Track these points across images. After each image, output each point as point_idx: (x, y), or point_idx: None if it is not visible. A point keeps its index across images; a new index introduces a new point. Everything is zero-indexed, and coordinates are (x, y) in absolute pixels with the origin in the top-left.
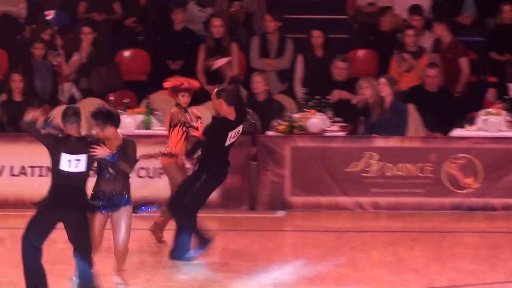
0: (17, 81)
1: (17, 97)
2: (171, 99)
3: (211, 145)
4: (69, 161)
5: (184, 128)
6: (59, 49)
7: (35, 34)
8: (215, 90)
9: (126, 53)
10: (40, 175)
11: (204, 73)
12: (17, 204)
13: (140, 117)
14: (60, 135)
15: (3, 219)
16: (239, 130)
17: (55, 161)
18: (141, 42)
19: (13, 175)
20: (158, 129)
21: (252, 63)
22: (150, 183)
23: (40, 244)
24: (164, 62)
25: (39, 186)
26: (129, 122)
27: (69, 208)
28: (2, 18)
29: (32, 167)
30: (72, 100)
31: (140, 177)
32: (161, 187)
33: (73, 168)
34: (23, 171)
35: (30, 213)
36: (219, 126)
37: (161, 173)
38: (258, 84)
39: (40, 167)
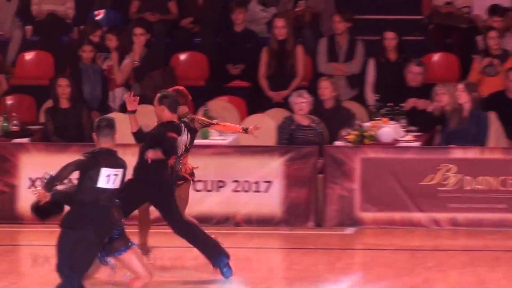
0: (63, 86)
1: (64, 104)
2: (231, 107)
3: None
4: (108, 176)
5: None
6: (110, 52)
7: (83, 35)
8: (157, 95)
9: (182, 57)
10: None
11: (266, 78)
12: None
13: None
14: (94, 151)
15: (47, 235)
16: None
17: (90, 178)
18: (198, 44)
19: None
20: (217, 139)
21: (319, 67)
22: (207, 197)
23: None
24: (224, 66)
25: None
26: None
27: (93, 228)
28: (48, 18)
29: None
30: (123, 107)
31: (198, 190)
32: (219, 202)
33: (110, 184)
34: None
35: None
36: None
37: (220, 187)
38: (326, 90)
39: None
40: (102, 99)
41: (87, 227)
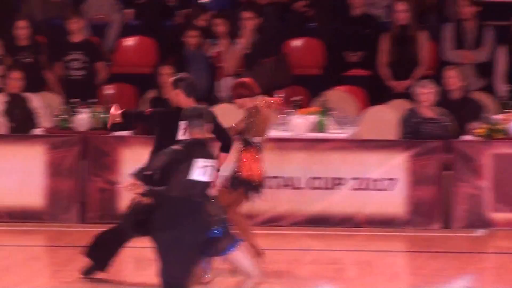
0: (167, 75)
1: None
2: (349, 97)
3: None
4: (202, 167)
5: None
6: (217, 38)
7: (188, 20)
8: (172, 79)
9: (296, 43)
10: None
11: (387, 67)
12: None
13: (313, 118)
14: (186, 141)
15: None
16: None
17: (182, 171)
18: (313, 29)
19: None
20: (335, 132)
21: (444, 55)
22: (325, 196)
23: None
24: (341, 53)
25: None
26: (300, 124)
27: (189, 227)
28: (150, 1)
29: None
30: (230, 98)
31: (315, 188)
32: (338, 201)
33: (204, 177)
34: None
35: None
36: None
37: (339, 184)
38: (452, 79)
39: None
40: (210, 88)
41: (182, 226)
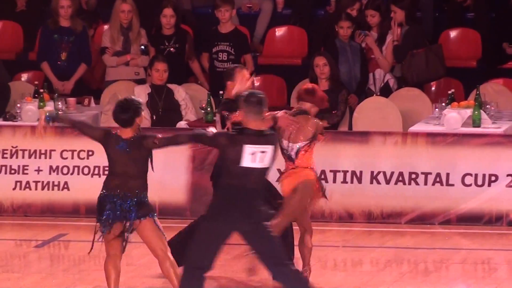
0: (320, 66)
1: (323, 85)
2: (506, 91)
3: None
4: (253, 153)
5: None
6: (370, 29)
7: (341, 9)
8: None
9: (452, 33)
10: (344, 181)
11: None
12: (316, 217)
13: (468, 112)
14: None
15: None
16: None
17: (232, 159)
18: (470, 19)
19: None
20: (490, 127)
21: None
22: (478, 193)
23: (207, 269)
24: (499, 44)
25: None
26: (453, 118)
27: (245, 216)
28: None
29: (334, 171)
30: (386, 89)
31: (467, 185)
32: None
33: (257, 163)
34: (323, 176)
35: None
36: None
37: (492, 181)
38: None
39: (344, 171)
40: (362, 80)
41: (234, 215)
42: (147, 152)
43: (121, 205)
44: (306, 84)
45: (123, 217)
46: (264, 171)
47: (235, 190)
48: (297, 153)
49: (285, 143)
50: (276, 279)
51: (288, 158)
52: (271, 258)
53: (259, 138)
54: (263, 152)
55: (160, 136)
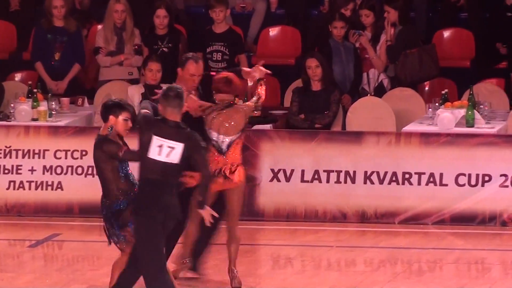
0: (312, 68)
1: (315, 86)
2: (500, 91)
3: None
4: (160, 146)
5: None
6: (364, 28)
7: (334, 9)
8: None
9: (446, 33)
10: (337, 181)
11: None
12: (309, 217)
13: (461, 112)
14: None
15: (290, 234)
16: None
17: (143, 146)
18: (464, 19)
19: (304, 181)
20: (484, 127)
21: None
22: (471, 193)
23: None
24: (492, 45)
25: (334, 195)
26: (448, 118)
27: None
28: None
29: (327, 171)
30: (380, 89)
31: (461, 185)
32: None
33: (163, 157)
34: (316, 177)
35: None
36: None
37: (486, 181)
38: None
39: (338, 171)
40: (355, 80)
41: (152, 210)
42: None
43: None
44: (221, 74)
45: None
46: (173, 167)
47: (149, 184)
48: (228, 146)
49: (214, 134)
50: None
51: (218, 151)
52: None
53: (171, 132)
54: (170, 147)
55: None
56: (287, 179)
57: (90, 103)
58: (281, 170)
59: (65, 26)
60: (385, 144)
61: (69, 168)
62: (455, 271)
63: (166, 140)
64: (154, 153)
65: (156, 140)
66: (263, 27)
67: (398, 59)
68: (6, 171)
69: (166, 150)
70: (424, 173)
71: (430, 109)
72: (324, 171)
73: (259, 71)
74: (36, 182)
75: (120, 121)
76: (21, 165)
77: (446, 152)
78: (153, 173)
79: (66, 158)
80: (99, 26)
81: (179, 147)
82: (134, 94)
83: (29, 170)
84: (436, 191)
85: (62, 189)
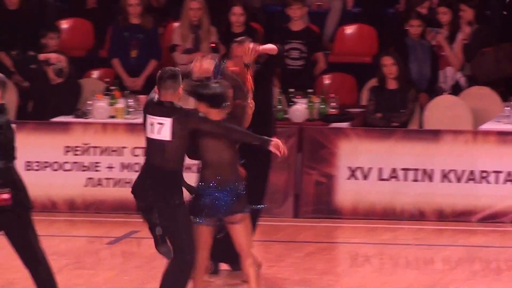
0: (389, 66)
1: (391, 85)
2: None
3: None
4: (152, 124)
5: None
6: (440, 26)
7: (410, 7)
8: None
9: None
10: (415, 180)
11: None
12: (387, 215)
13: None
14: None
15: (368, 232)
16: None
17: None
18: None
19: (382, 179)
20: None
21: None
22: None
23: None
24: None
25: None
26: None
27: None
28: None
29: (405, 169)
30: (456, 88)
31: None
32: None
33: (156, 135)
34: (394, 175)
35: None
36: None
37: None
38: None
39: (415, 169)
40: (432, 79)
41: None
42: None
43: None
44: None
45: None
46: (165, 144)
47: (147, 167)
48: None
49: None
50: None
51: None
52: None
53: (160, 109)
54: (160, 123)
55: None
56: (365, 177)
57: None
58: (359, 168)
59: (141, 24)
60: (462, 142)
61: None
62: None
63: (156, 117)
64: (149, 132)
65: (149, 119)
66: (339, 25)
67: (474, 58)
68: (84, 168)
69: (157, 127)
70: (501, 172)
71: (507, 108)
72: (402, 169)
73: (249, 53)
74: (114, 179)
75: None
76: (99, 162)
77: None
78: (153, 156)
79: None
80: (176, 24)
81: (167, 122)
82: None
83: (107, 167)
84: None
85: None
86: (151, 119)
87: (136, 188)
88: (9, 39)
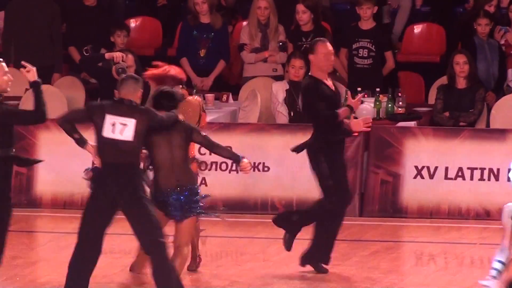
0: (461, 64)
1: (461, 84)
2: None
3: None
4: (113, 124)
5: None
6: (509, 25)
7: (479, 6)
8: None
9: None
10: (481, 179)
11: None
12: (453, 214)
13: None
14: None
15: (433, 231)
16: None
17: (98, 126)
18: None
19: (448, 178)
20: None
21: None
22: None
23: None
24: None
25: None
26: None
27: (120, 190)
28: None
29: (471, 169)
30: None
31: None
32: None
33: (117, 135)
34: (459, 174)
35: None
36: None
37: None
38: None
39: (481, 169)
40: (499, 78)
41: (111, 192)
42: None
43: None
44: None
45: None
46: (129, 144)
47: (107, 167)
48: None
49: None
50: (148, 254)
51: None
52: (146, 236)
53: (122, 109)
54: (123, 124)
55: None
56: (431, 176)
57: (234, 99)
58: (425, 167)
59: (211, 23)
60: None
61: (214, 164)
62: None
63: (119, 117)
64: (108, 132)
65: (109, 118)
66: (408, 24)
67: None
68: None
69: (119, 127)
70: None
71: None
72: (468, 168)
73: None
74: None
75: None
76: None
77: None
78: (109, 155)
79: (210, 154)
80: (244, 23)
81: (131, 123)
82: (279, 90)
83: None
84: None
85: (206, 185)
86: (113, 119)
87: (98, 189)
88: (83, 35)
